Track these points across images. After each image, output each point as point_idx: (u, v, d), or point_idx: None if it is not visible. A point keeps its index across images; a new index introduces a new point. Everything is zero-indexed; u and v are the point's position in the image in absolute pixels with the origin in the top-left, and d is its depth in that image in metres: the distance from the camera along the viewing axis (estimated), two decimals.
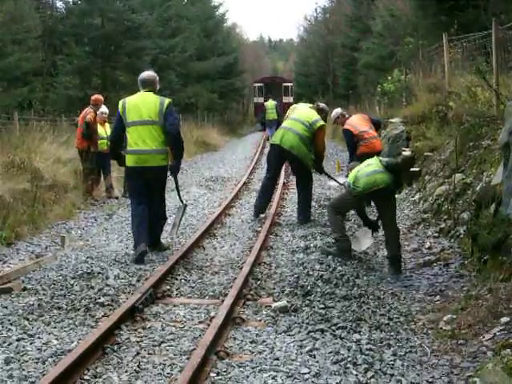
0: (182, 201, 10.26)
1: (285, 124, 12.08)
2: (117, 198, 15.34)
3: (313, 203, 13.12)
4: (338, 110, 13.91)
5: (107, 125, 15.61)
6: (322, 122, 11.80)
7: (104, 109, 15.60)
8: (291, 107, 13.08)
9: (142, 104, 9.35)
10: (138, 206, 9.30)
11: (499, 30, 12.53)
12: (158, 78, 10.05)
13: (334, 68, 57.25)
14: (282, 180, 15.31)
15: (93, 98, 15.47)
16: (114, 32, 30.73)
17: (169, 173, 9.64)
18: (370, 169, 8.79)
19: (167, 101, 9.43)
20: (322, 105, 12.56)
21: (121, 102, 9.53)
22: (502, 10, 17.77)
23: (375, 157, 9.27)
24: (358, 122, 13.21)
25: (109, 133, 15.32)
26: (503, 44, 12.98)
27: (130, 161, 9.35)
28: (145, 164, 9.21)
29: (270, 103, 38.56)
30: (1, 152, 13.55)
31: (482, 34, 14.70)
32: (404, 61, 25.66)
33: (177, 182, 10.04)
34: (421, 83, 18.69)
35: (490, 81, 11.88)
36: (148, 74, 9.96)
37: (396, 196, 9.39)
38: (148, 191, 9.38)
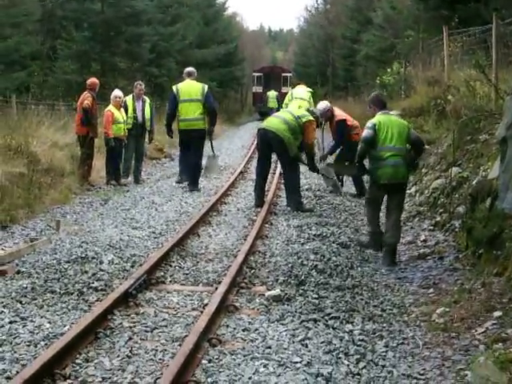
0: (214, 152, 16.01)
1: (277, 113, 12.72)
2: (125, 184, 15.30)
3: (309, 193, 13.13)
4: (327, 103, 14.03)
5: (122, 109, 15.41)
6: (310, 117, 12.05)
7: (118, 92, 15.42)
8: (290, 91, 13.30)
9: (191, 88, 13.92)
10: (184, 154, 14.58)
11: (500, 25, 12.52)
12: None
13: (333, 59, 57.07)
14: (278, 170, 15.27)
15: (88, 82, 15.21)
16: (114, 18, 30.54)
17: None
18: (395, 159, 8.82)
19: (207, 86, 14.13)
20: (311, 108, 12.89)
21: (174, 87, 14.10)
22: (502, 4, 17.73)
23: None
24: (345, 113, 14.00)
25: (125, 117, 15.25)
26: (503, 39, 12.97)
27: (181, 125, 14.06)
28: (191, 127, 13.89)
29: (272, 93, 40.60)
30: None
31: (483, 28, 14.71)
32: (404, 53, 25.64)
33: (211, 140, 15.26)
34: (420, 76, 18.69)
35: (489, 75, 11.86)
36: (191, 68, 14.51)
37: None
38: (191, 146, 14.04)
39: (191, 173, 14.13)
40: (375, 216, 9.31)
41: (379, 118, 9.04)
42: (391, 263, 8.65)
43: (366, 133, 8.93)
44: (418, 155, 9.32)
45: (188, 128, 13.89)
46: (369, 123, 8.99)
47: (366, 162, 9.29)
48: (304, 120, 11.85)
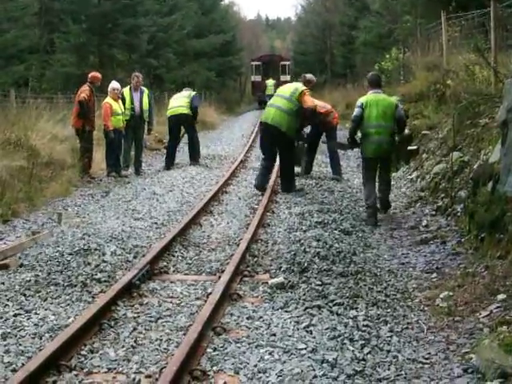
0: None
1: (270, 102, 12.46)
2: (126, 176, 15.24)
3: (310, 181, 13.12)
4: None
5: (120, 101, 15.35)
6: (302, 88, 12.05)
7: (115, 84, 15.36)
8: (285, 85, 13.19)
9: (181, 94, 17.16)
10: (173, 141, 16.81)
11: (498, 8, 12.46)
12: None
13: (331, 46, 57.02)
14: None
15: (90, 75, 15.10)
16: (111, 9, 30.39)
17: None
18: (378, 136, 10.04)
19: (193, 93, 17.14)
20: (308, 76, 12.79)
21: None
22: None
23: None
24: (316, 100, 13.72)
25: (123, 109, 15.22)
26: (502, 22, 12.92)
27: (168, 113, 16.77)
28: (175, 113, 16.49)
29: (270, 82, 41.24)
30: None
31: (481, 11, 14.63)
32: (402, 39, 25.57)
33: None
34: (419, 61, 18.63)
35: (489, 59, 11.83)
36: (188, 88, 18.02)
37: (393, 174, 9.89)
38: (180, 132, 17.09)
39: (195, 149, 16.99)
40: (371, 190, 10.14)
41: (368, 97, 10.15)
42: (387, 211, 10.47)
43: (355, 111, 10.12)
44: (400, 132, 10.79)
45: (173, 114, 16.54)
46: (358, 102, 10.15)
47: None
48: (297, 95, 11.81)
